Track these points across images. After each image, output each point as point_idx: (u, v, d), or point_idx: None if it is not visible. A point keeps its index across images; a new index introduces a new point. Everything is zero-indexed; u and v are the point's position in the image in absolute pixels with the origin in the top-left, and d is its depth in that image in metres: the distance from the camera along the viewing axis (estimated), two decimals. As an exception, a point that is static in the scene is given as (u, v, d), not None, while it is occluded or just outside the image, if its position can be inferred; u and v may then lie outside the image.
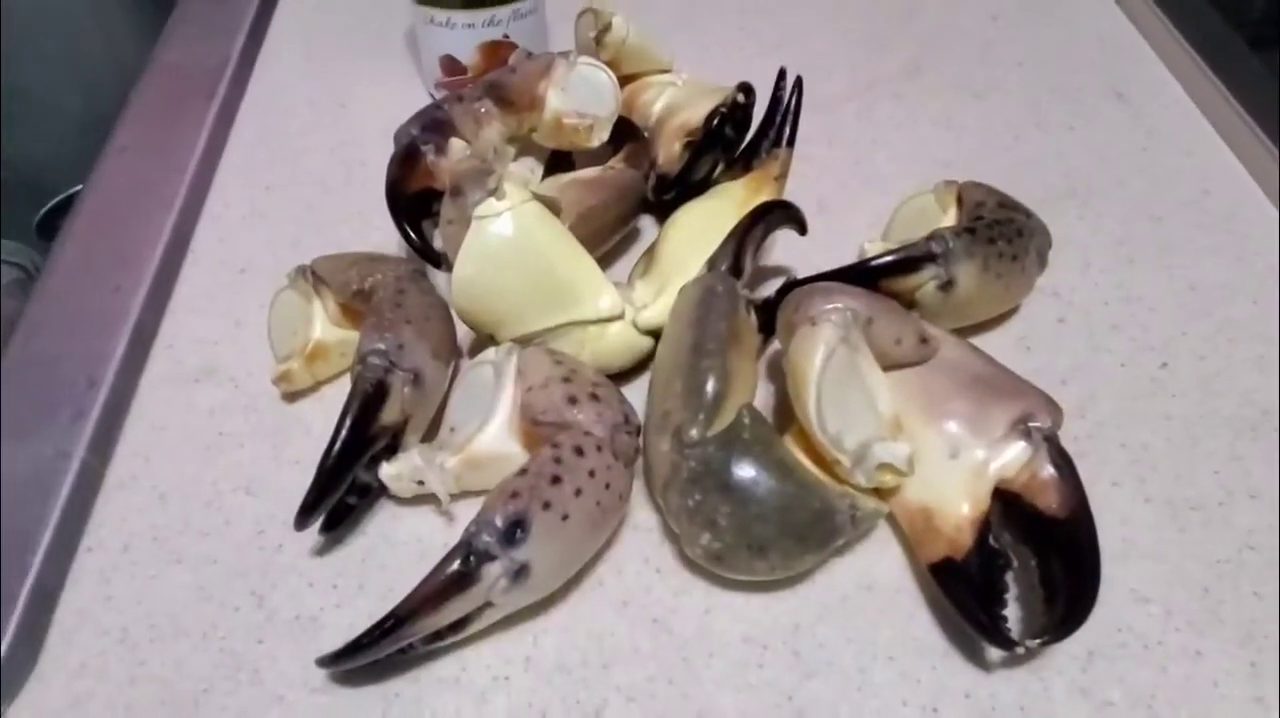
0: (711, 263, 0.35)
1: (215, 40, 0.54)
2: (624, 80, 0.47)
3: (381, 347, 0.32)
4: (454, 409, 0.35)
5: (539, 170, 0.45)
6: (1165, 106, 0.52)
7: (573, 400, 0.31)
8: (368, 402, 0.31)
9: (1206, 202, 0.46)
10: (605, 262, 0.43)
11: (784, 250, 0.43)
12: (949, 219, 0.40)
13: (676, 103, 0.45)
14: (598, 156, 0.45)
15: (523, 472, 0.29)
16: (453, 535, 0.33)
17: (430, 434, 0.35)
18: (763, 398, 0.37)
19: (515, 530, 0.27)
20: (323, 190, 0.47)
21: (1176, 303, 0.41)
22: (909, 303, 0.36)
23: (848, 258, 0.42)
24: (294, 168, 0.48)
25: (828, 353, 0.30)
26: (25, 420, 0.36)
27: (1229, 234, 0.44)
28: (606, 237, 0.41)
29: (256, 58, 0.55)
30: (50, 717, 0.29)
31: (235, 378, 0.39)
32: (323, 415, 0.37)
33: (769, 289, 0.39)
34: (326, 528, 0.32)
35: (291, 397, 0.38)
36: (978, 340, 0.39)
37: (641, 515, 0.34)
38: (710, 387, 0.31)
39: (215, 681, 0.30)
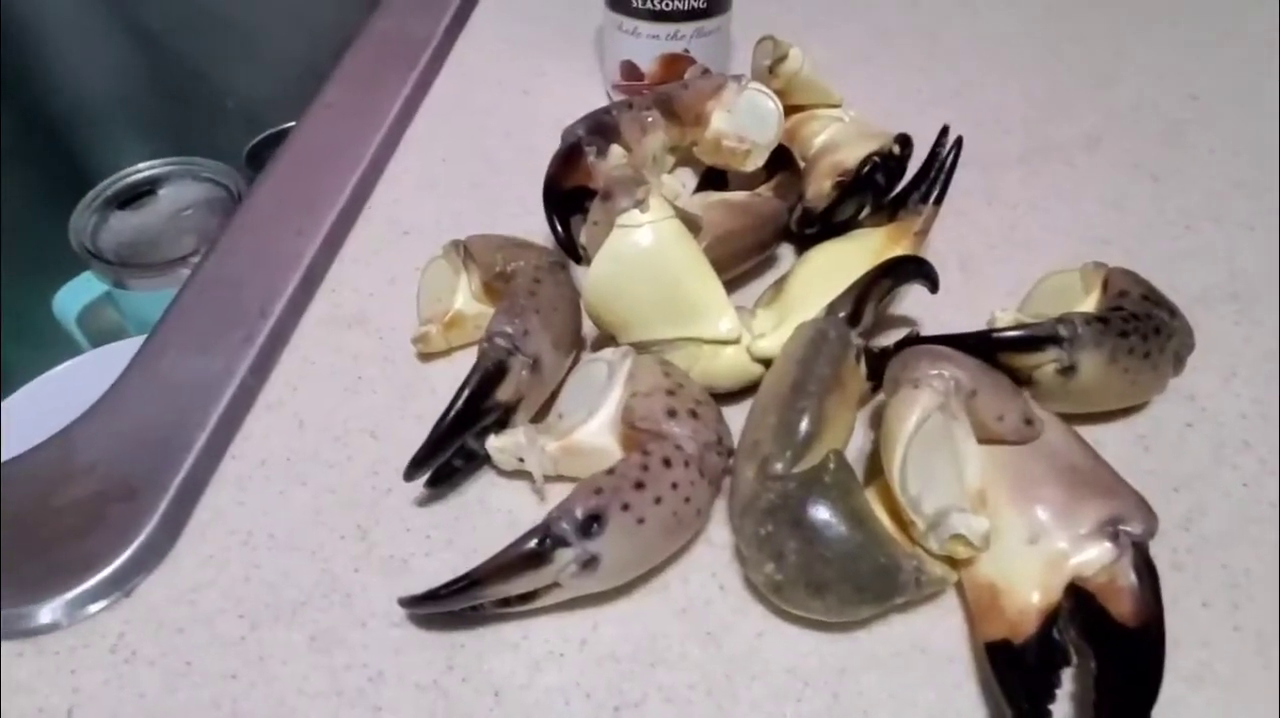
0: (831, 307, 0.36)
1: (426, 15, 0.59)
2: (792, 110, 0.48)
3: (509, 329, 0.35)
4: (566, 397, 0.38)
5: (691, 184, 0.47)
6: (1364, 220, 0.48)
7: (672, 413, 0.33)
8: (486, 378, 0.34)
9: (1385, 331, 0.43)
10: (739, 283, 0.44)
11: (915, 303, 0.43)
12: (1090, 302, 0.40)
13: (837, 140, 0.46)
14: (751, 180, 0.46)
15: (610, 471, 0.31)
16: (541, 512, 0.35)
17: (541, 416, 0.38)
18: (860, 445, 0.38)
19: (592, 524, 0.30)
20: (492, 170, 0.50)
21: (1323, 432, 0.39)
22: (1026, 380, 0.36)
23: (978, 322, 0.42)
24: (470, 145, 0.52)
25: (923, 416, 0.31)
26: (205, 334, 0.41)
27: (1399, 370, 0.41)
28: (742, 260, 0.43)
29: (459, 36, 0.59)
30: (174, 597, 0.34)
31: (380, 330, 0.43)
32: (448, 378, 0.40)
33: (889, 338, 0.40)
34: (431, 483, 0.36)
35: (426, 357, 0.41)
36: (1096, 431, 0.39)
37: (718, 533, 0.35)
38: (803, 426, 0.32)
39: (313, 596, 0.34)
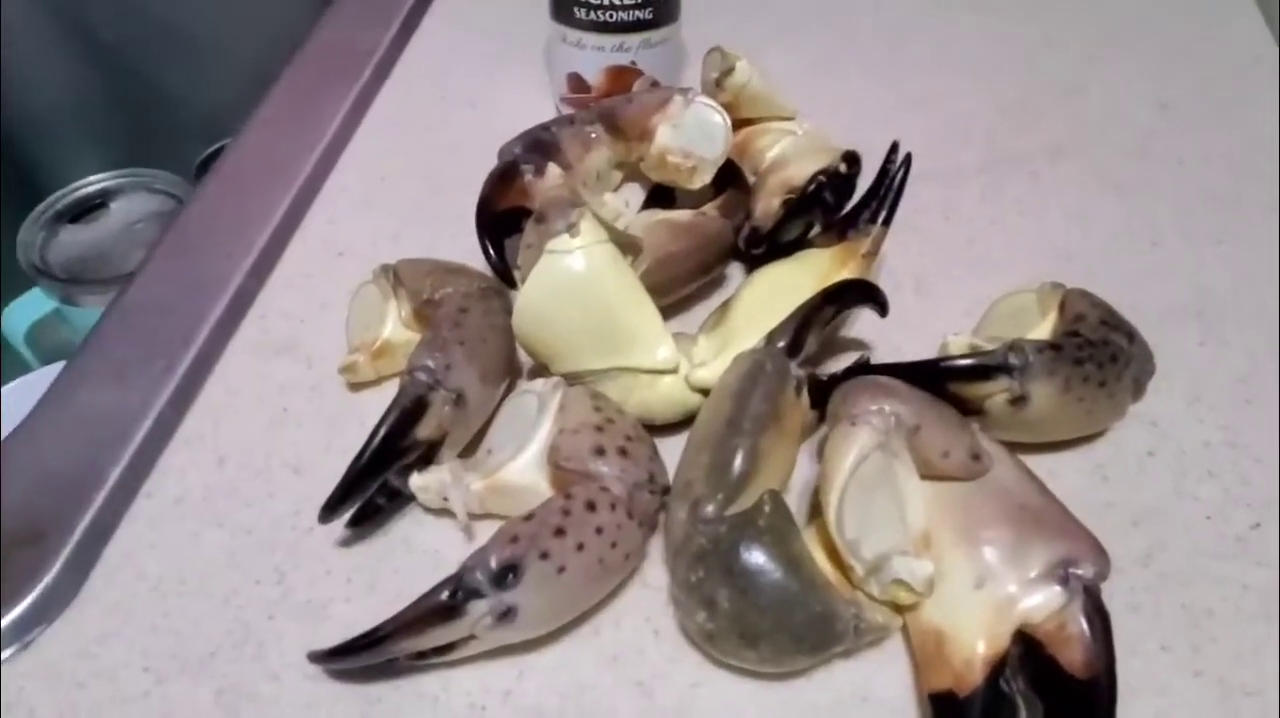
0: (771, 336, 0.34)
1: (372, 26, 0.57)
2: (743, 123, 0.46)
3: (430, 364, 0.33)
4: (495, 430, 0.36)
5: (636, 201, 0.46)
6: (1335, 234, 0.47)
7: (600, 452, 0.31)
8: (404, 415, 0.32)
9: (1355, 350, 0.41)
10: (684, 305, 0.43)
11: (867, 326, 0.42)
12: (1046, 325, 0.38)
13: (788, 155, 0.44)
14: (699, 198, 0.45)
15: (529, 517, 0.29)
16: (468, 552, 0.34)
17: (471, 449, 0.36)
18: (806, 478, 0.36)
19: (507, 574, 0.28)
20: (432, 189, 0.48)
21: (1288, 459, 0.38)
22: (976, 410, 0.34)
23: (933, 345, 0.40)
24: (411, 162, 0.50)
25: (860, 456, 0.29)
26: (124, 364, 0.39)
27: (1370, 392, 0.40)
28: (686, 283, 0.41)
29: (405, 47, 0.57)
30: (77, 649, 0.32)
31: (310, 358, 0.41)
32: (378, 410, 0.38)
33: (840, 363, 0.38)
34: (353, 523, 0.34)
35: (356, 386, 0.39)
36: (1052, 460, 0.37)
37: (654, 573, 0.34)
38: (737, 465, 0.30)
39: (224, 647, 0.32)
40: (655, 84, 0.49)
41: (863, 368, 0.36)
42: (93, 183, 0.76)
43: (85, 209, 0.75)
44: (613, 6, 0.45)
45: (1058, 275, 0.42)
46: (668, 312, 0.42)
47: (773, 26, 0.60)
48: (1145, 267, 0.45)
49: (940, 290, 0.44)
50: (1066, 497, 0.35)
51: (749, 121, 0.46)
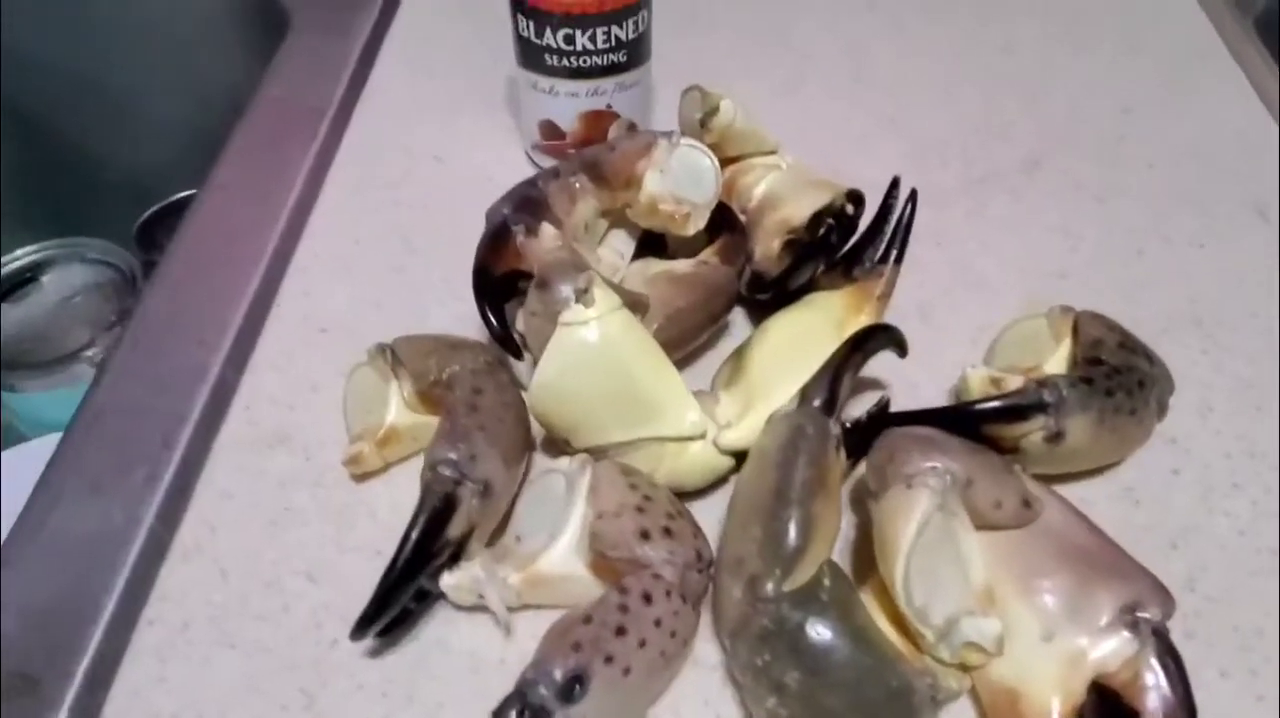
0: (804, 395, 0.33)
1: (320, 79, 0.54)
2: (727, 161, 0.45)
3: (453, 457, 0.31)
4: (521, 515, 0.34)
5: (629, 251, 0.44)
6: (1309, 228, 0.48)
7: (645, 535, 0.30)
8: (435, 516, 0.30)
9: (1349, 345, 0.42)
10: (691, 357, 0.41)
11: (878, 360, 0.41)
12: (1062, 350, 0.38)
13: (778, 192, 0.43)
14: (692, 242, 0.43)
15: (587, 619, 0.27)
16: (509, 650, 0.32)
17: (495, 536, 0.34)
18: (845, 531, 0.35)
19: (574, 686, 0.26)
20: (410, 249, 0.46)
21: (1307, 463, 0.38)
22: (1012, 449, 0.34)
23: (946, 373, 0.40)
24: (384, 221, 0.48)
25: (923, 522, 0.28)
26: (101, 477, 0.36)
27: (1373, 387, 0.41)
28: (694, 336, 0.40)
29: (359, 99, 0.54)
30: (93, 805, 0.29)
31: (307, 448, 0.38)
32: (389, 500, 0.36)
33: (860, 405, 0.37)
34: (382, 633, 0.32)
35: (361, 476, 0.37)
36: (1083, 488, 0.37)
37: (704, 650, 0.32)
38: (791, 539, 0.29)
39: (256, 784, 0.30)
40: (633, 125, 0.47)
41: (886, 412, 0.35)
42: (21, 256, 0.72)
43: (16, 284, 0.71)
44: (586, 52, 0.43)
45: (1054, 293, 0.42)
46: (676, 366, 0.41)
47: (727, 51, 0.59)
48: (1136, 277, 0.45)
49: (944, 319, 0.43)
50: (1103, 524, 0.35)
51: (733, 158, 0.45)
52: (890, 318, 0.42)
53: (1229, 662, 0.32)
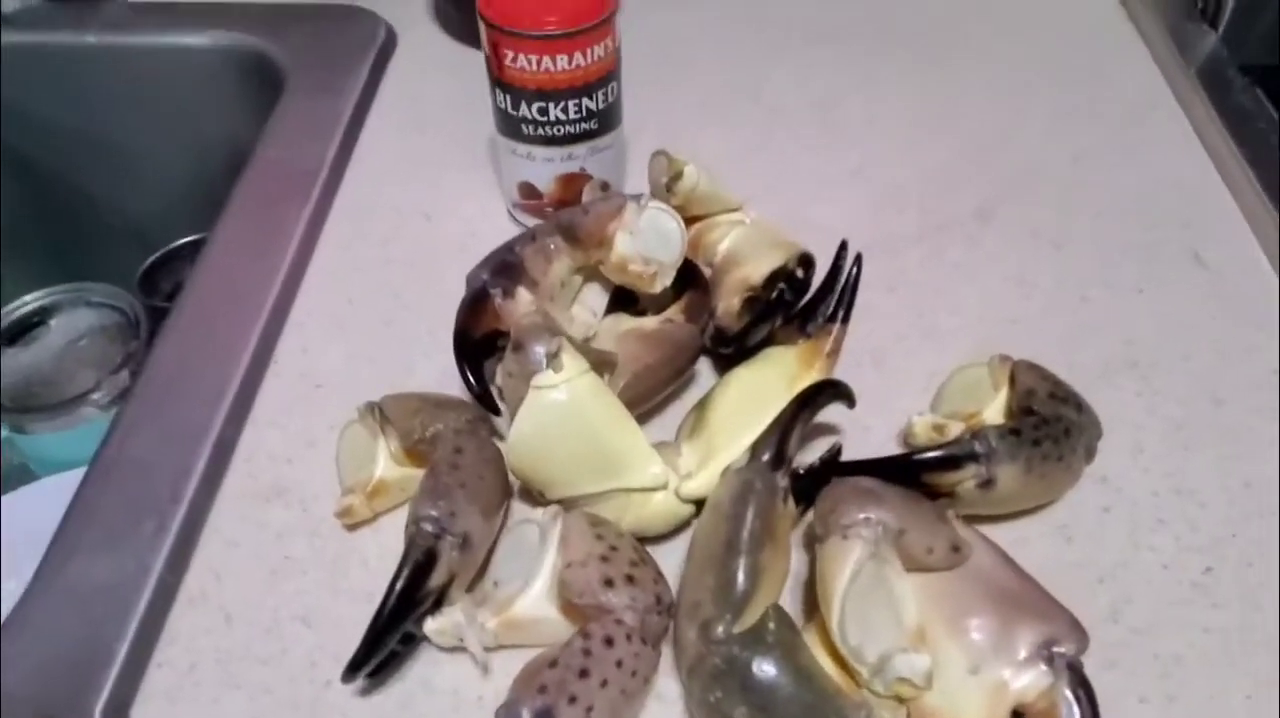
0: (755, 451, 0.36)
1: (313, 140, 0.57)
2: (692, 220, 0.48)
3: (434, 513, 0.34)
4: (499, 562, 0.37)
5: (603, 304, 0.47)
6: (1243, 272, 0.51)
7: (609, 583, 0.33)
8: (417, 569, 0.33)
9: (1276, 385, 0.45)
10: (659, 408, 0.44)
11: (834, 407, 0.44)
12: (1000, 398, 0.41)
13: (740, 250, 0.46)
14: (661, 296, 0.46)
15: (553, 663, 0.31)
16: (487, 688, 0.35)
17: (475, 580, 0.37)
18: (796, 570, 0.38)
19: (540, 725, 0.29)
20: (401, 305, 0.49)
21: (1228, 499, 0.41)
22: (948, 494, 0.37)
23: (897, 418, 0.43)
24: (375, 279, 0.51)
25: (855, 570, 0.31)
26: (114, 530, 0.39)
27: (1295, 426, 0.44)
28: (659, 390, 0.43)
29: (349, 159, 0.58)
30: (111, 836, 0.32)
31: (303, 500, 0.41)
32: (378, 548, 0.39)
33: (815, 451, 0.40)
34: (371, 674, 0.35)
35: (353, 525, 0.40)
36: (1019, 527, 0.40)
37: (667, 685, 0.35)
38: (740, 586, 0.32)
39: (258, 815, 0.32)
40: (605, 185, 0.50)
41: (837, 459, 0.38)
42: (29, 302, 0.75)
43: (24, 329, 0.74)
44: (559, 122, 0.47)
45: (1003, 339, 0.45)
46: (644, 417, 0.44)
47: (701, 108, 0.62)
48: (1080, 322, 0.48)
49: (897, 364, 0.46)
50: (1037, 561, 0.38)
51: (699, 217, 0.49)
52: (846, 364, 0.45)
53: (1148, 689, 0.35)
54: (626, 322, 0.44)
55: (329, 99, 0.61)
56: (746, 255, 0.46)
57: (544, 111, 0.46)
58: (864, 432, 0.43)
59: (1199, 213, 0.54)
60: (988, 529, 0.39)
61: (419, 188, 0.56)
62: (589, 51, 0.45)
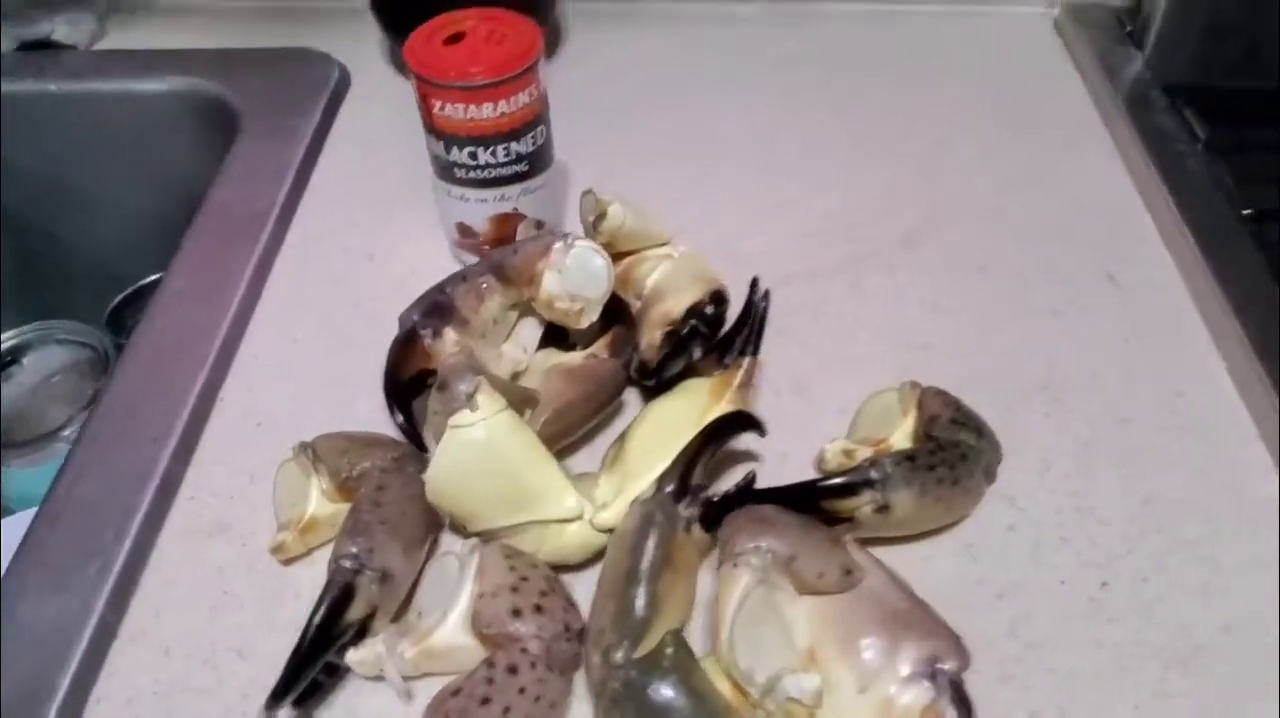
0: (660, 482, 0.38)
1: (265, 182, 0.59)
2: (623, 255, 0.50)
3: (354, 550, 0.36)
4: (423, 592, 0.39)
5: (536, 340, 0.49)
6: (1157, 292, 0.52)
7: (516, 612, 0.35)
8: (334, 604, 0.35)
9: (1179, 404, 0.47)
10: (587, 438, 0.46)
11: (773, 424, 0.45)
12: (908, 424, 0.43)
13: (665, 284, 0.48)
14: (590, 332, 0.48)
15: (456, 692, 0.32)
16: (411, 713, 0.37)
17: (402, 610, 0.39)
18: (708, 593, 0.40)
19: (443, 751, 0.31)
20: (345, 344, 0.51)
21: (1128, 516, 0.43)
22: (849, 518, 0.39)
23: (816, 443, 0.45)
24: (320, 319, 0.53)
25: (743, 597, 0.33)
26: (60, 570, 0.41)
27: (1196, 442, 0.45)
28: (583, 424, 0.45)
29: (300, 201, 0.60)
30: None
31: (243, 536, 0.43)
32: (311, 581, 0.41)
33: (734, 477, 0.42)
34: (297, 703, 0.36)
35: (286, 560, 0.42)
36: (925, 546, 0.41)
37: (582, 710, 0.37)
38: (638, 613, 0.34)
39: (190, 840, 0.34)
40: (540, 224, 0.52)
41: (748, 488, 0.40)
42: (2, 340, 0.77)
43: (-1, 368, 0.76)
44: (490, 165, 0.49)
45: (919, 364, 0.47)
46: (573, 447, 0.46)
47: (647, 143, 0.64)
48: (998, 346, 0.50)
49: (817, 391, 0.48)
50: (943, 580, 0.40)
51: (629, 252, 0.51)
52: (767, 393, 0.47)
53: (1041, 703, 0.37)
54: (554, 357, 0.46)
55: (282, 141, 0.63)
56: (670, 289, 0.48)
57: (474, 156, 0.48)
58: (781, 457, 0.45)
59: (1118, 235, 0.56)
60: (896, 549, 0.41)
61: (367, 228, 0.58)
62: (513, 99, 0.47)
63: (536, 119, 0.49)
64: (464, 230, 0.53)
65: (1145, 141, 0.60)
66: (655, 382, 0.45)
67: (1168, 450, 0.45)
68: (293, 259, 0.56)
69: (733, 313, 0.48)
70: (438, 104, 0.47)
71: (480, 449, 0.38)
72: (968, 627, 0.35)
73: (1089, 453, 0.45)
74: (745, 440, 0.46)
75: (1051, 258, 0.55)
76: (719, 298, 0.45)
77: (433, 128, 0.48)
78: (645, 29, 0.74)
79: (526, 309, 0.50)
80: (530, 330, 0.50)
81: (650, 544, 0.35)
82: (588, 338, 0.48)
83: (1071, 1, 0.71)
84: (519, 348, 0.47)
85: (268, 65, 0.68)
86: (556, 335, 0.49)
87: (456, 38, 0.48)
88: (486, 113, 0.47)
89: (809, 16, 0.75)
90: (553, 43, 0.72)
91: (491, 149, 0.48)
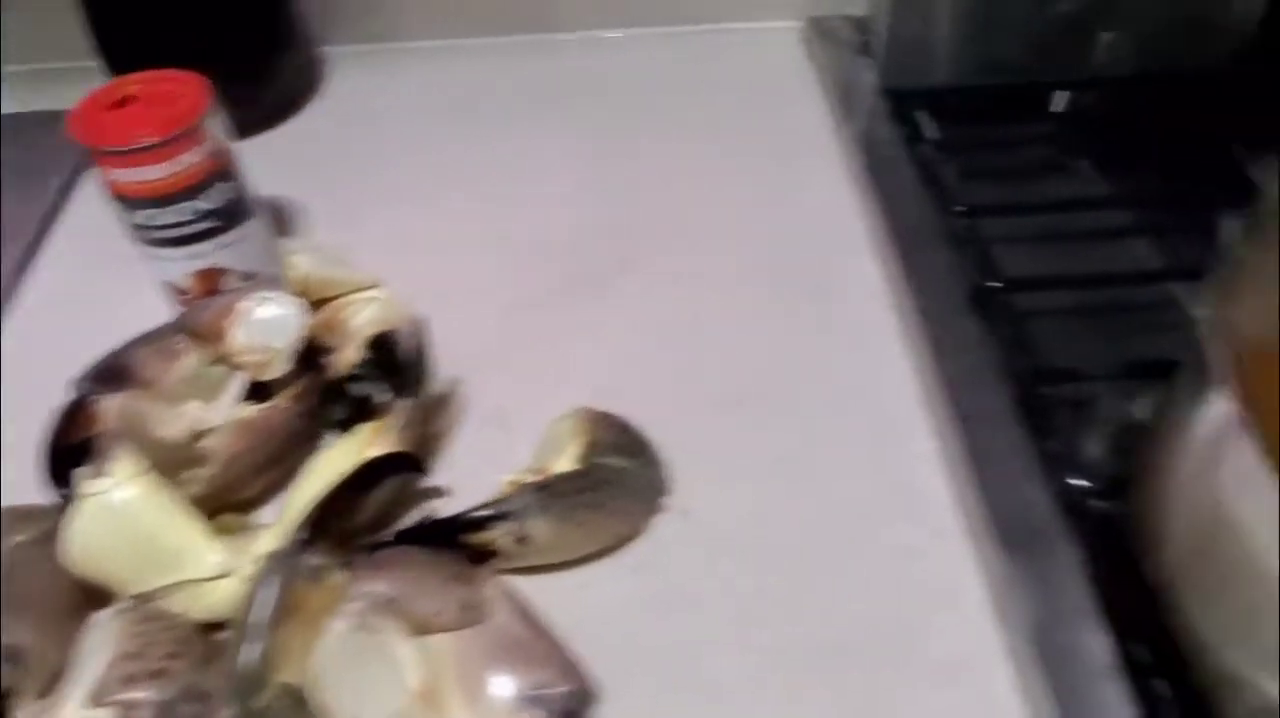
0: (294, 531, 0.38)
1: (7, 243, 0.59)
2: (326, 301, 0.51)
3: (-25, 632, 0.36)
4: (76, 662, 0.39)
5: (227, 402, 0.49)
6: (862, 300, 0.54)
7: (130, 680, 0.35)
8: (-50, 694, 0.35)
9: (865, 409, 0.48)
10: (280, 488, 0.46)
11: (460, 469, 0.46)
12: (572, 448, 0.43)
13: (360, 329, 0.49)
14: (288, 379, 0.48)
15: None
16: (55, 790, 0.37)
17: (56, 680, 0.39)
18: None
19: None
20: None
21: (804, 521, 0.44)
22: (494, 551, 0.39)
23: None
24: (33, 396, 0.52)
25: (336, 644, 0.33)
26: None
27: (877, 446, 0.47)
28: (257, 475, 0.45)
29: (30, 269, 0.59)
30: None
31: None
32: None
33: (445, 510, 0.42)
34: (-68, 793, 0.36)
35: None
36: (592, 569, 0.42)
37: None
38: (249, 668, 0.34)
39: None
40: (248, 276, 0.52)
41: (422, 527, 0.40)
42: None
43: None
44: (174, 225, 0.49)
45: (620, 388, 0.48)
46: (264, 498, 0.46)
47: (389, 186, 0.64)
48: (694, 361, 0.51)
49: (521, 422, 0.49)
50: (603, 601, 0.40)
51: (332, 297, 0.51)
52: (473, 424, 0.48)
53: (697, 713, 0.38)
54: (237, 413, 0.46)
55: (21, 209, 0.62)
56: (361, 334, 0.48)
57: (153, 218, 0.48)
58: (482, 490, 0.45)
59: (832, 245, 0.58)
60: (558, 573, 0.42)
61: (103, 288, 0.57)
62: (180, 159, 0.47)
63: (216, 174, 0.49)
64: (172, 289, 0.52)
65: (866, 149, 0.62)
66: (338, 426, 0.45)
67: (847, 459, 0.46)
68: (22, 324, 0.56)
69: (455, 347, 0.49)
70: (109, 169, 0.47)
71: (113, 514, 0.38)
72: (629, 644, 0.37)
73: (778, 465, 0.46)
74: (450, 475, 0.46)
75: (765, 273, 0.56)
76: (378, 344, 0.46)
77: (111, 192, 0.48)
78: (402, 68, 0.75)
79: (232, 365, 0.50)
80: (241, 386, 0.50)
81: (264, 597, 0.35)
82: (289, 388, 0.48)
83: (815, 15, 0.73)
84: (202, 410, 0.47)
85: (14, 132, 0.68)
86: (257, 393, 0.49)
87: (126, 101, 0.48)
88: (157, 174, 0.47)
89: (558, 46, 0.76)
90: (307, 89, 0.72)
91: (172, 208, 0.48)
